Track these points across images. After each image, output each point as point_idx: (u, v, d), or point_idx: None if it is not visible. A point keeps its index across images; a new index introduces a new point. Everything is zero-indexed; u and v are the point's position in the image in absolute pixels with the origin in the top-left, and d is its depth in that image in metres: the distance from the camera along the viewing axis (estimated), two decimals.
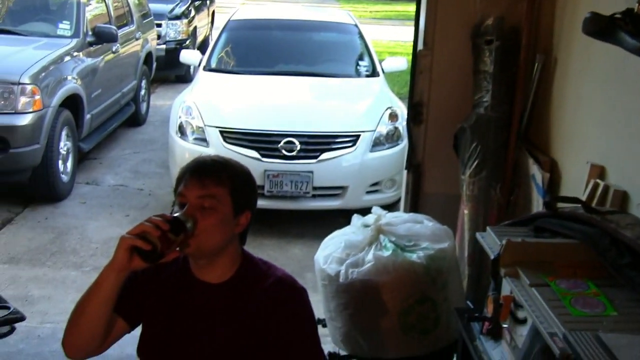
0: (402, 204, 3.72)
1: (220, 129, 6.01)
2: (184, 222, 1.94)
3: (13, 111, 6.04)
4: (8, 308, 2.87)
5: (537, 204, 3.04)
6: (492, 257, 2.17)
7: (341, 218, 5.29)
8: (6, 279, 4.95)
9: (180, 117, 6.31)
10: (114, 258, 1.89)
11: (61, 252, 5.50)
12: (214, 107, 6.33)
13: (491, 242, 2.30)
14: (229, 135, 5.98)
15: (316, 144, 5.90)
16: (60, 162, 6.57)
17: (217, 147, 5.91)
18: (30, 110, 6.10)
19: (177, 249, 1.96)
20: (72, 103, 6.88)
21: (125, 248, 1.86)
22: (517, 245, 2.12)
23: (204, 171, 2.03)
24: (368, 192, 5.98)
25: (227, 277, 2.10)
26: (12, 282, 4.91)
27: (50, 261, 5.34)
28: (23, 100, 6.09)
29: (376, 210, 3.09)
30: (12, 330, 2.93)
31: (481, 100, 3.27)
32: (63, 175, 6.66)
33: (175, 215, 1.95)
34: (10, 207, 6.38)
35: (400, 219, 3.07)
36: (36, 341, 4.12)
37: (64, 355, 2.10)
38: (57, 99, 6.44)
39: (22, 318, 2.84)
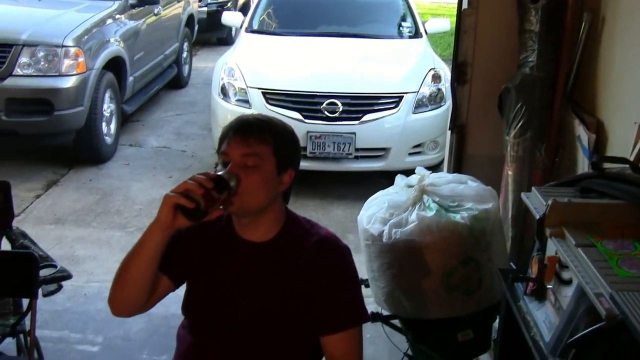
0: (445, 165, 3.69)
1: (263, 91, 6.03)
2: (228, 180, 1.94)
3: (57, 74, 6.12)
4: (55, 266, 2.93)
5: (583, 166, 3.00)
6: (537, 217, 2.14)
7: (383, 180, 5.28)
8: (53, 239, 5.05)
9: (222, 79, 6.33)
10: (158, 216, 1.91)
11: (106, 213, 5.59)
12: (257, 69, 6.33)
13: (536, 202, 2.27)
14: (271, 96, 5.99)
15: (359, 105, 5.88)
16: (103, 124, 6.65)
17: (260, 109, 5.92)
18: (74, 72, 6.18)
19: (221, 207, 1.98)
20: (115, 66, 6.95)
21: (169, 206, 1.88)
22: (563, 205, 2.09)
23: (248, 129, 2.02)
24: (410, 154, 5.97)
25: (270, 235, 2.11)
26: (59, 242, 5.01)
27: (95, 222, 5.44)
28: (67, 62, 6.16)
29: (420, 170, 3.07)
30: (60, 288, 2.99)
31: (526, 60, 3.21)
32: (107, 137, 6.75)
33: (219, 173, 1.96)
34: (56, 169, 6.50)
35: (444, 179, 3.04)
36: (82, 300, 4.21)
37: (109, 313, 2.14)
38: (100, 62, 6.51)
39: (68, 276, 2.90)
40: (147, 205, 5.50)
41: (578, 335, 1.76)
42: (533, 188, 2.35)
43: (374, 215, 2.96)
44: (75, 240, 5.09)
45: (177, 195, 1.86)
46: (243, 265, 2.11)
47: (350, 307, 2.11)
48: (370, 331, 3.63)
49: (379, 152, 5.96)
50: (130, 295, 2.06)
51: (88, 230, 5.29)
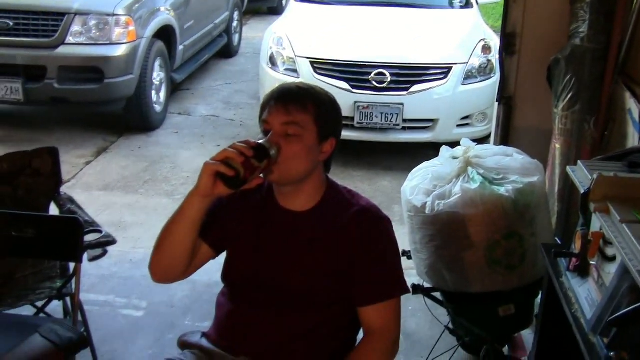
0: (492, 137, 3.63)
1: (311, 60, 6.00)
2: (268, 148, 1.93)
3: (108, 42, 6.18)
4: (100, 232, 2.97)
5: (633, 140, 2.91)
6: (582, 191, 2.10)
7: (431, 151, 5.22)
8: (101, 205, 5.12)
9: (271, 48, 6.33)
10: (198, 184, 1.91)
11: (153, 180, 5.66)
12: (305, 38, 6.30)
13: (582, 176, 2.22)
14: (319, 66, 5.97)
15: (407, 76, 5.82)
16: (153, 92, 6.70)
17: (308, 78, 5.90)
18: (125, 41, 6.22)
19: (261, 175, 1.97)
20: (165, 34, 6.98)
21: (209, 174, 1.88)
22: (608, 179, 2.04)
23: (289, 98, 2.02)
24: (459, 126, 5.90)
25: (311, 205, 2.11)
26: (107, 208, 5.09)
27: (143, 189, 5.50)
28: (117, 31, 6.20)
29: (465, 142, 3.02)
30: (105, 252, 3.04)
31: (577, 31, 3.12)
32: (156, 106, 6.81)
33: (259, 141, 1.95)
34: (106, 136, 6.59)
35: (489, 151, 2.99)
36: (128, 265, 4.27)
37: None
38: (150, 30, 6.54)
39: (113, 241, 2.94)
40: (194, 173, 5.44)
41: (619, 314, 1.72)
42: (579, 162, 2.30)
43: (418, 186, 2.93)
44: (123, 207, 5.16)
45: (217, 163, 1.86)
46: (283, 234, 2.11)
47: (388, 279, 2.10)
48: (413, 304, 3.62)
49: (427, 124, 5.91)
50: (170, 261, 2.08)
51: (136, 197, 5.36)
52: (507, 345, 3.36)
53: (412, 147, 6.03)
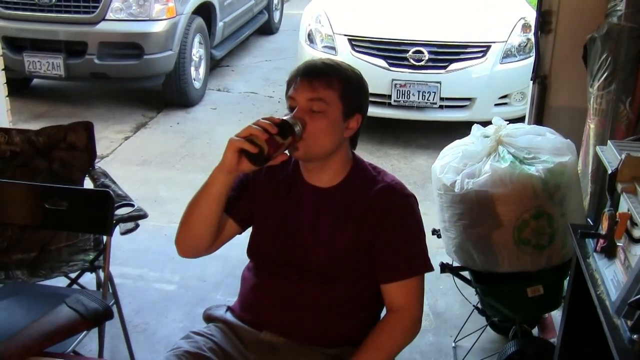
0: (526, 116, 3.58)
1: (349, 37, 5.99)
2: (292, 125, 1.93)
3: (147, 18, 6.24)
4: (132, 205, 3.00)
5: None
6: (609, 171, 2.06)
7: (468, 130, 5.17)
8: (138, 179, 5.20)
9: (309, 25, 6.32)
10: (222, 160, 1.92)
11: (190, 156, 5.71)
12: (344, 15, 6.28)
13: (611, 156, 2.18)
14: (357, 43, 5.95)
15: (445, 54, 5.78)
16: (192, 68, 6.75)
17: (346, 56, 5.89)
18: (164, 17, 6.27)
19: (286, 152, 1.97)
20: (205, 11, 7.01)
21: (233, 150, 1.89)
22: (637, 160, 2.00)
23: (314, 74, 2.01)
24: (497, 105, 5.84)
25: (336, 181, 2.11)
26: (144, 183, 5.15)
27: (180, 164, 5.56)
28: (157, 7, 6.25)
29: (497, 120, 2.98)
30: (137, 226, 3.07)
31: (615, 9, 3.05)
32: (195, 82, 6.85)
33: (284, 118, 1.95)
34: (145, 112, 6.67)
35: (521, 130, 2.95)
36: (163, 239, 4.32)
37: None
38: (189, 6, 6.58)
39: (144, 215, 2.97)
40: None
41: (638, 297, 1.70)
42: (609, 141, 2.26)
43: (448, 164, 2.92)
44: (160, 182, 5.22)
45: (241, 140, 1.87)
46: (308, 210, 2.12)
47: (412, 256, 2.09)
48: (444, 283, 3.62)
49: (464, 102, 5.86)
50: (195, 236, 2.10)
51: (172, 172, 5.42)
52: (536, 327, 3.35)
53: (449, 125, 5.98)
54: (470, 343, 3.27)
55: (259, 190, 2.17)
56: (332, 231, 2.09)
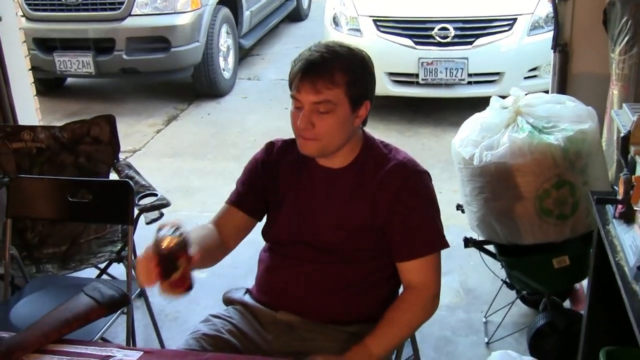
0: (549, 85, 3.52)
1: (374, 18, 5.96)
2: (172, 260, 1.69)
3: (173, 11, 6.29)
4: (155, 195, 3.03)
5: None
6: (622, 134, 2.02)
7: None
8: (170, 171, 5.25)
9: (334, 9, 6.31)
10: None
11: (221, 145, 5.74)
12: None
13: (625, 119, 2.13)
14: (382, 24, 5.92)
15: (471, 29, 5.72)
16: (220, 59, 6.78)
17: (371, 37, 5.88)
18: (189, 9, 6.32)
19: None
20: (231, 0, 7.02)
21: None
22: None
23: (315, 72, 1.93)
24: (526, 78, 5.77)
25: (348, 161, 2.10)
26: (176, 174, 5.20)
27: (211, 154, 5.60)
28: (182, 0, 6.27)
29: (515, 91, 2.93)
30: (161, 215, 3.09)
31: None
32: (224, 72, 6.88)
33: (162, 249, 1.69)
34: (176, 105, 6.73)
35: (541, 99, 2.90)
36: None
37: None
38: None
39: (167, 204, 3.00)
40: (262, 136, 5.52)
41: None
42: (624, 104, 2.21)
43: (467, 137, 2.89)
44: (191, 172, 5.26)
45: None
46: (322, 190, 2.12)
47: (427, 234, 2.07)
48: (474, 259, 3.58)
49: (493, 77, 5.79)
50: (210, 261, 2.17)
51: (204, 162, 5.46)
52: (568, 299, 3.31)
53: (479, 101, 5.88)
54: (501, 318, 3.24)
55: (269, 178, 2.18)
56: (345, 211, 2.08)
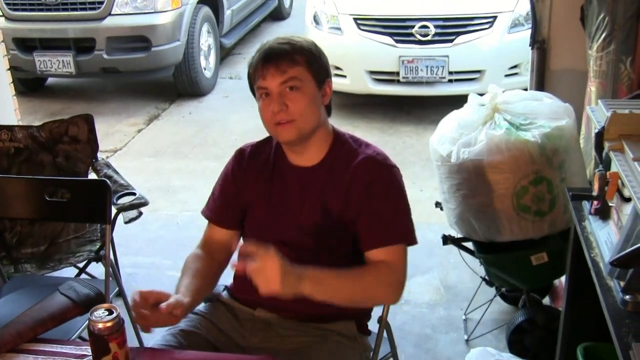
0: (528, 82, 3.53)
1: (354, 17, 5.96)
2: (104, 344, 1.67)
3: (153, 10, 6.27)
4: (134, 194, 3.02)
5: None
6: (596, 130, 2.03)
7: None
8: (151, 170, 5.23)
9: (314, 7, 6.31)
10: None
11: (202, 145, 5.73)
12: None
13: (600, 115, 2.14)
14: (362, 22, 5.93)
15: (451, 27, 5.74)
16: (202, 58, 6.76)
17: (351, 35, 5.89)
18: (169, 8, 6.31)
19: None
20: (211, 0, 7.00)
21: None
22: (623, 117, 1.96)
23: (277, 56, 1.98)
24: (507, 75, 5.78)
25: (319, 159, 2.10)
26: (157, 174, 5.19)
27: (192, 153, 5.58)
28: None
29: (492, 88, 2.94)
30: (139, 214, 3.09)
31: None
32: (206, 71, 6.87)
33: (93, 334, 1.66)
34: (158, 104, 6.71)
35: (518, 96, 2.92)
36: (175, 228, 4.35)
37: (198, 240, 2.27)
38: None
39: (145, 202, 2.98)
40: (242, 135, 5.56)
41: (619, 254, 1.67)
42: (599, 101, 2.21)
43: (444, 135, 2.90)
44: (172, 172, 5.24)
45: None
46: (295, 189, 2.12)
47: (394, 224, 2.05)
48: (455, 256, 3.60)
49: (474, 75, 5.81)
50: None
51: (185, 161, 5.44)
52: (547, 295, 3.32)
53: (460, 99, 5.90)
54: (480, 315, 3.26)
55: (242, 180, 2.19)
56: (319, 210, 2.09)
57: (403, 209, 2.08)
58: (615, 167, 1.96)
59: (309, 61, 2.01)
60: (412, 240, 2.06)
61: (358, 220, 2.05)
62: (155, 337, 2.11)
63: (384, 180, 2.07)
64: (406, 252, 2.05)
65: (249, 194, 2.17)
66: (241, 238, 2.27)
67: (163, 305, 1.83)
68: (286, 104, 1.98)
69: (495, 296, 3.29)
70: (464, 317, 3.37)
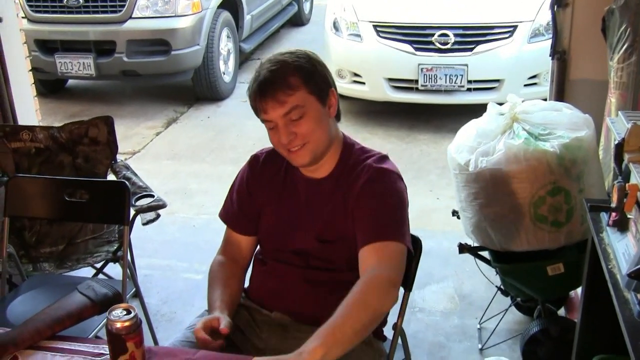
0: (547, 92, 3.53)
1: (374, 24, 5.97)
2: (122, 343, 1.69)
3: (173, 14, 6.32)
4: (152, 196, 3.04)
5: None
6: (616, 141, 2.03)
7: None
8: (169, 173, 5.26)
9: (334, 14, 6.32)
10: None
11: (220, 149, 5.75)
12: (368, 2, 6.26)
13: (620, 127, 2.14)
14: (382, 29, 5.93)
15: (471, 36, 5.73)
16: (221, 62, 6.79)
17: (371, 42, 5.90)
18: (190, 12, 6.34)
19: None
20: (232, 4, 7.05)
21: None
22: None
23: (271, 87, 1.95)
24: (526, 85, 5.76)
25: (329, 170, 2.12)
26: (174, 177, 5.22)
27: (210, 157, 5.61)
28: (183, 3, 6.33)
29: (512, 98, 2.94)
30: (157, 216, 3.11)
31: None
32: (225, 75, 6.90)
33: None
34: (177, 108, 6.74)
35: (537, 106, 2.91)
36: (191, 230, 4.38)
37: (215, 244, 2.30)
38: (215, 1, 6.63)
39: (163, 205, 3.01)
40: (260, 140, 5.54)
41: (637, 267, 1.67)
42: (619, 112, 2.22)
43: (462, 143, 2.90)
44: (189, 175, 5.27)
45: None
46: (304, 200, 2.15)
47: (389, 223, 2.00)
48: (470, 265, 3.59)
49: (493, 84, 5.80)
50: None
51: (202, 165, 5.47)
52: (563, 307, 3.31)
53: (478, 108, 5.89)
54: (495, 324, 3.25)
55: (255, 186, 2.21)
56: (327, 222, 2.10)
57: (400, 214, 2.05)
58: (634, 179, 1.96)
59: (306, 80, 1.98)
60: (405, 242, 2.00)
61: (354, 220, 2.04)
62: (176, 335, 2.13)
63: (382, 181, 2.06)
64: (401, 254, 1.99)
65: (261, 200, 2.20)
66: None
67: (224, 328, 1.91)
68: (294, 132, 1.98)
69: (510, 306, 3.28)
70: (478, 326, 3.36)
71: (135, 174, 3.31)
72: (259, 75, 2.00)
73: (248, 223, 2.23)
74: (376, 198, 2.03)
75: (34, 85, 4.24)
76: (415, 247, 2.13)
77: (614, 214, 2.12)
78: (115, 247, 3.20)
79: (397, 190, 2.08)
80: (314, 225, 2.11)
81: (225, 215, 2.27)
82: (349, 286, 2.08)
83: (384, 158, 2.13)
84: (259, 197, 2.20)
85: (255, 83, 2.00)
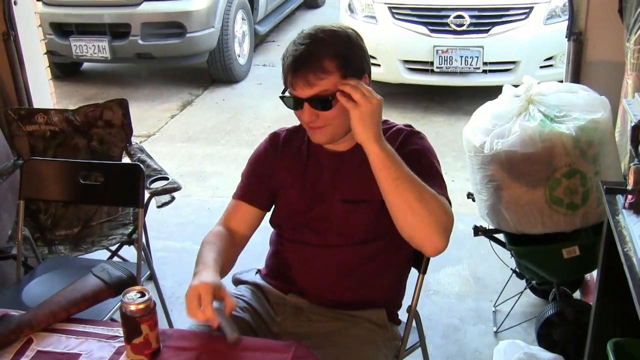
0: (564, 74, 3.49)
1: (389, 5, 5.95)
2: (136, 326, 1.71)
3: None
4: (167, 179, 3.04)
5: None
6: (633, 123, 2.01)
7: None
8: (183, 156, 5.27)
9: None
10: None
11: (235, 131, 5.75)
12: None
13: (637, 108, 2.12)
14: (397, 11, 5.90)
15: (487, 17, 5.70)
16: (236, 45, 6.78)
17: (386, 24, 5.88)
18: None
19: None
20: None
21: None
22: None
23: (304, 66, 1.89)
24: (542, 67, 5.72)
25: (353, 143, 2.08)
26: (189, 159, 5.22)
27: (224, 139, 5.61)
28: None
29: (528, 79, 2.92)
30: (172, 199, 3.12)
31: None
32: (240, 58, 6.89)
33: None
34: (191, 90, 6.75)
35: (553, 88, 2.89)
36: (206, 213, 4.38)
37: None
38: None
39: (178, 187, 3.00)
40: (275, 122, 5.56)
41: None
42: (636, 93, 2.19)
43: (478, 125, 2.88)
44: (204, 157, 5.28)
45: None
46: (329, 172, 2.12)
47: (432, 180, 1.98)
48: (485, 248, 3.58)
49: (509, 66, 5.76)
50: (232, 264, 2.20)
51: (217, 147, 5.47)
52: (578, 290, 3.30)
53: (494, 90, 5.85)
54: (510, 307, 3.24)
55: (277, 166, 2.18)
56: (352, 187, 2.08)
57: (438, 170, 2.08)
58: None
59: (341, 66, 1.91)
60: (448, 197, 2.01)
61: None
62: (187, 324, 2.12)
63: (421, 140, 2.10)
64: (449, 207, 1.98)
65: (282, 178, 2.17)
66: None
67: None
68: (317, 114, 1.95)
69: (525, 289, 3.27)
70: (493, 309, 3.36)
71: (150, 157, 3.31)
72: (294, 48, 1.93)
73: (262, 196, 2.18)
74: (416, 156, 2.02)
75: (49, 68, 4.25)
76: None
77: (630, 196, 2.10)
78: (130, 230, 3.21)
79: (432, 151, 2.11)
80: (339, 190, 2.09)
81: (239, 191, 2.22)
82: (368, 266, 2.09)
83: (408, 125, 2.15)
84: (279, 175, 2.17)
85: (289, 56, 1.93)
